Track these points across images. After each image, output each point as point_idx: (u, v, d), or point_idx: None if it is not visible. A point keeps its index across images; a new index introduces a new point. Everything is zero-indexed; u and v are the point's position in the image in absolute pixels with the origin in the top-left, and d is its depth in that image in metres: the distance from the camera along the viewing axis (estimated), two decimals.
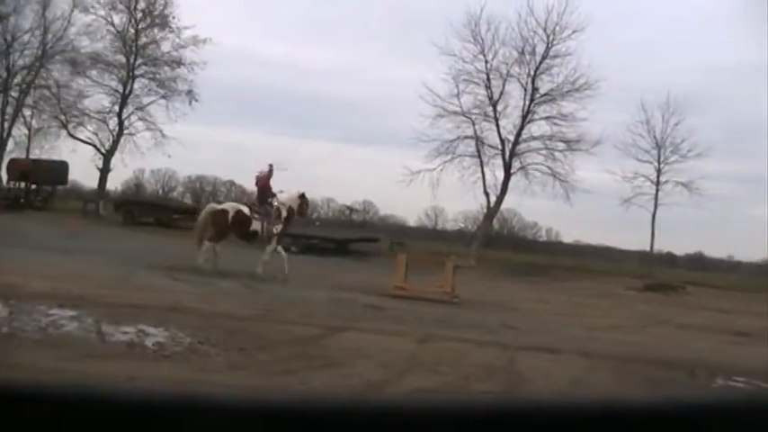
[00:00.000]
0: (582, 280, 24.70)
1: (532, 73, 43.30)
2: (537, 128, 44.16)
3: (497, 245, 51.60)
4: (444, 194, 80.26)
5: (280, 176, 23.10)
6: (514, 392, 6.37)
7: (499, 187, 43.64)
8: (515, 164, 43.62)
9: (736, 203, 78.73)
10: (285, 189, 22.22)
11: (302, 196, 22.54)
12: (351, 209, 64.46)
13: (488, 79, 43.28)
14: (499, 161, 43.73)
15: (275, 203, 21.80)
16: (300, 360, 9.31)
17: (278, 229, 21.42)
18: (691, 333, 17.41)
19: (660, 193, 44.89)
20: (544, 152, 43.77)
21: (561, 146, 43.43)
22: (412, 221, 70.06)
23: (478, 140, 43.68)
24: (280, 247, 21.47)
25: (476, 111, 43.61)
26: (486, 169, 43.83)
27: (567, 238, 67.34)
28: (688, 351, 13.65)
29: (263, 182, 22.36)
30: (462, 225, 64.65)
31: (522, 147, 43.74)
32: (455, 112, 43.15)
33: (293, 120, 73.77)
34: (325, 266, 27.04)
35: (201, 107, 45.72)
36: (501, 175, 43.65)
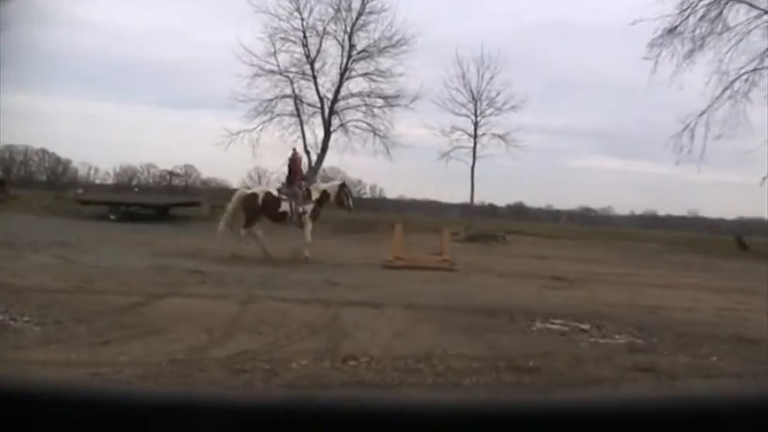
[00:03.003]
0: (406, 234, 25.04)
1: (349, 30, 43.43)
2: (355, 85, 44.41)
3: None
4: (266, 155, 79.68)
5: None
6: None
7: (320, 146, 43.72)
8: (335, 121, 43.81)
9: (555, 155, 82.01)
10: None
11: (342, 185, 22.20)
12: (172, 174, 63.30)
13: (305, 37, 43.13)
14: (319, 119, 43.80)
15: (310, 187, 21.64)
16: (119, 330, 9.07)
17: (306, 209, 21.14)
18: (511, 280, 18.00)
19: (478, 146, 46.09)
20: (363, 109, 44.14)
21: (380, 102, 43.88)
22: (235, 184, 69.40)
23: (297, 99, 43.56)
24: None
25: (293, 69, 43.42)
26: (306, 128, 43.81)
27: (392, 194, 68.41)
28: (508, 297, 14.10)
29: (295, 164, 22.17)
30: None
31: (341, 104, 43.93)
32: (272, 71, 42.83)
33: (113, 85, 71.25)
34: (145, 233, 26.42)
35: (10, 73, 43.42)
36: (321, 133, 43.74)
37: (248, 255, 19.81)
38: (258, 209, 21.17)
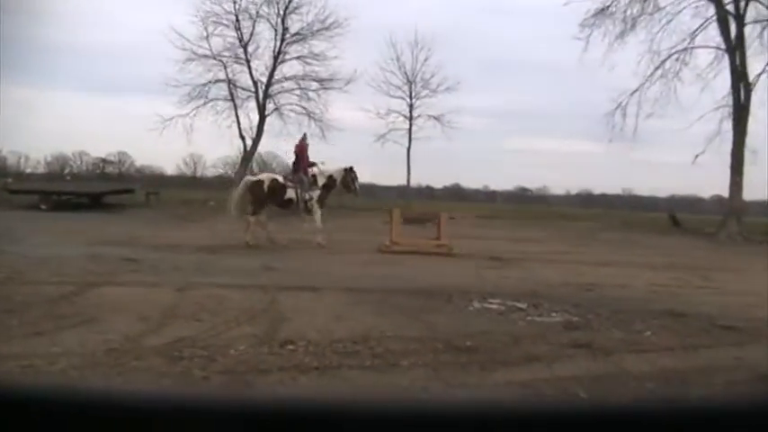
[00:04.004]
0: (342, 218, 25.06)
1: (282, 13, 43.26)
2: (289, 68, 44.31)
3: None
4: (201, 140, 79.08)
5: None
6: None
7: (255, 130, 43.47)
8: (270, 105, 43.67)
9: (490, 136, 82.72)
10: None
11: (349, 170, 21.88)
12: (105, 161, 62.48)
13: (237, 20, 42.89)
14: (253, 104, 43.60)
15: (315, 172, 21.37)
16: (52, 320, 8.91)
17: (312, 195, 21.01)
18: (449, 261, 18.10)
19: (414, 127, 46.36)
20: (298, 92, 44.06)
21: (314, 85, 43.86)
22: (170, 170, 68.77)
23: (231, 83, 43.31)
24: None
25: (227, 53, 43.16)
26: (240, 112, 43.66)
27: None
28: (446, 278, 14.18)
29: (301, 151, 21.88)
30: (222, 171, 64.14)
31: (275, 88, 43.78)
32: (205, 56, 42.56)
33: (40, 70, 69.73)
34: (78, 222, 26.05)
35: None
36: (256, 117, 43.52)
37: (232, 243, 19.64)
38: (264, 196, 21.04)
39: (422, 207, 34.21)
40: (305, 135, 23.07)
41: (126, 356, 7.33)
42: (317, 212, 21.18)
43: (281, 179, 21.55)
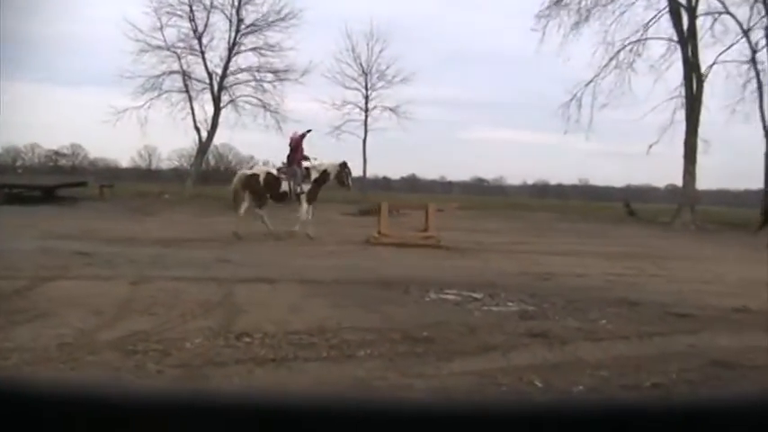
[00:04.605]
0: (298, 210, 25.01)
1: (237, 3, 43.04)
2: (244, 60, 44.09)
3: (214, 180, 51.35)
4: (156, 133, 78.48)
5: None
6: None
7: (210, 122, 43.21)
8: (225, 97, 43.43)
9: (447, 127, 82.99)
10: None
11: (343, 165, 22.02)
12: (57, 153, 61.74)
13: (192, 11, 42.57)
14: (208, 95, 43.30)
15: (309, 165, 21.45)
16: (4, 316, 8.76)
17: (304, 188, 21.12)
18: (405, 252, 18.10)
19: (369, 119, 46.37)
20: (253, 84, 43.88)
21: (270, 77, 43.68)
22: (125, 162, 68.18)
23: (185, 75, 42.99)
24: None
25: (181, 44, 42.83)
26: (195, 104, 43.35)
27: None
28: (403, 269, 14.20)
29: (295, 144, 21.92)
30: (177, 163, 63.77)
31: (230, 79, 43.57)
32: (159, 47, 42.20)
33: None
34: (31, 216, 25.63)
35: None
36: (211, 109, 43.25)
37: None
38: (261, 189, 21.14)
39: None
40: (307, 131, 23.03)
41: (79, 351, 7.24)
42: (304, 205, 21.28)
43: (275, 172, 21.63)
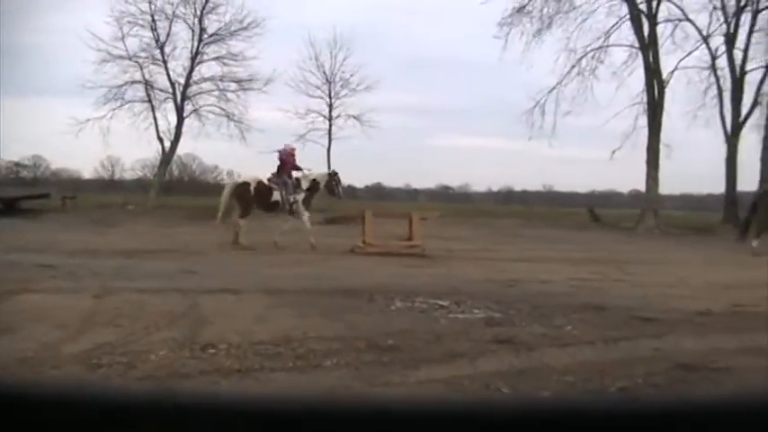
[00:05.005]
0: (263, 220, 24.92)
1: (199, 13, 42.81)
2: (207, 69, 43.87)
3: (178, 191, 51.08)
4: (119, 143, 77.79)
5: None
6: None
7: (173, 132, 42.99)
8: (188, 107, 43.21)
9: (411, 134, 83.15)
10: None
11: (332, 174, 22.11)
12: (18, 165, 61.11)
13: (154, 21, 42.28)
14: (171, 105, 43.04)
15: (299, 175, 21.45)
16: None
17: (296, 198, 21.03)
18: (371, 260, 18.09)
19: (334, 127, 46.35)
20: (216, 93, 43.67)
21: (233, 86, 43.53)
22: (88, 173, 67.58)
23: (148, 85, 42.71)
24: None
25: (143, 54, 42.52)
26: (158, 114, 43.07)
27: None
28: (369, 278, 14.17)
29: (286, 156, 21.87)
30: (141, 173, 63.34)
31: (193, 89, 43.32)
32: (121, 57, 41.81)
33: None
34: None
35: None
36: (174, 119, 43.02)
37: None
38: (251, 198, 21.04)
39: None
40: (294, 149, 23.06)
41: (42, 365, 7.16)
42: (305, 215, 21.26)
43: (266, 181, 21.49)
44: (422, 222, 21.41)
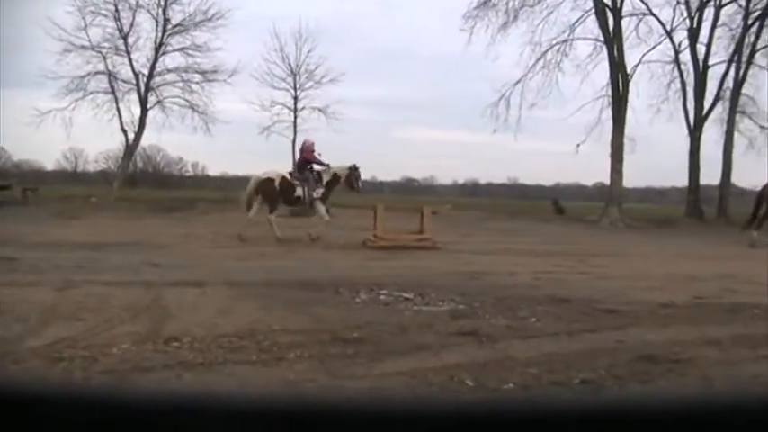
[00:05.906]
0: (228, 212, 24.79)
1: (163, 3, 42.37)
2: (172, 60, 43.47)
3: (142, 183, 50.73)
4: (82, 135, 77.16)
5: None
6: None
7: (137, 124, 42.64)
8: (152, 98, 42.80)
9: (377, 127, 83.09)
10: None
11: (353, 169, 21.84)
12: None
13: (117, 10, 41.78)
14: (135, 96, 42.65)
15: (319, 169, 21.44)
16: None
17: (318, 193, 20.98)
18: (335, 253, 18.10)
19: (299, 119, 46.19)
20: (180, 85, 43.31)
21: (197, 77, 43.17)
22: (50, 165, 66.95)
23: (111, 76, 42.27)
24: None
25: (106, 44, 42.02)
26: (121, 105, 42.65)
27: (214, 171, 67.51)
28: (333, 270, 14.16)
29: (307, 151, 21.89)
30: (105, 165, 62.83)
31: (157, 80, 42.94)
32: (83, 47, 41.32)
33: None
34: None
35: None
36: (138, 110, 42.64)
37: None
38: (276, 193, 21.07)
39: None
40: (313, 143, 22.93)
41: (3, 359, 7.08)
42: (322, 208, 21.27)
43: (289, 177, 21.51)
44: (390, 215, 21.40)
